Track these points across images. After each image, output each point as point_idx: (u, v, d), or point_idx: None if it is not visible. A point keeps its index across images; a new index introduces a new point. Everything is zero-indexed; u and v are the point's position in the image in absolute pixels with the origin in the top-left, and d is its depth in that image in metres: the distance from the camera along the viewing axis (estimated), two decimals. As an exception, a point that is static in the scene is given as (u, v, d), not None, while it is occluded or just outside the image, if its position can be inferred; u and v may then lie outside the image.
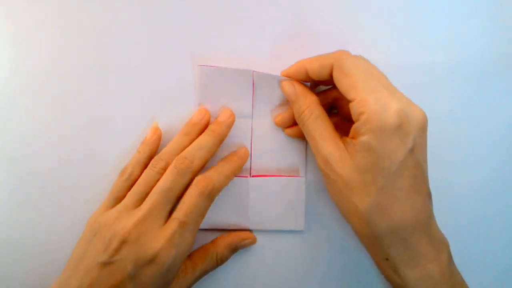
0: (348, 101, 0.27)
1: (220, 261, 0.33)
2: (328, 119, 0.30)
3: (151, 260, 0.27)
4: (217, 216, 0.33)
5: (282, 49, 0.34)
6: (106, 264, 0.27)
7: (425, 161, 0.27)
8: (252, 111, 0.33)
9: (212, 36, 0.34)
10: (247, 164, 0.34)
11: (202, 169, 0.31)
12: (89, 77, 0.33)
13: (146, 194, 0.29)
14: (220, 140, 0.32)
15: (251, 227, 0.34)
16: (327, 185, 0.29)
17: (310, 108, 0.29)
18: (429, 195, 0.27)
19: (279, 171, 0.34)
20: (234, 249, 0.33)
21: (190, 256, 0.32)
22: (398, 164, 0.25)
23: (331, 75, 0.28)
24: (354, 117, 0.27)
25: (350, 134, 0.27)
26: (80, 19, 0.33)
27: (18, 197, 0.33)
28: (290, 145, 0.34)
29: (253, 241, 0.34)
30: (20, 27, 0.33)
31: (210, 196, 0.29)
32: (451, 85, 0.35)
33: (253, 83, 0.32)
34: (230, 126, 0.32)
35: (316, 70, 0.29)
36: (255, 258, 0.35)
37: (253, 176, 0.33)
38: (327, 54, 0.29)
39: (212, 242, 0.33)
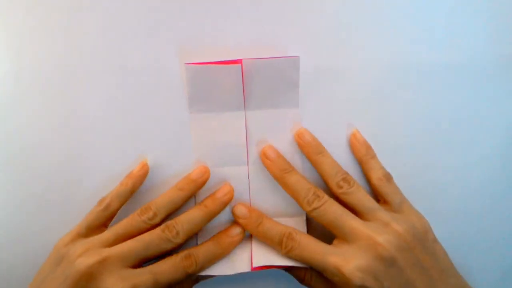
0: None
1: None
2: None
3: None
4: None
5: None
6: None
7: (422, 272, 0.28)
8: (245, 103, 0.33)
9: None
10: (244, 155, 0.34)
11: (186, 240, 0.31)
12: (90, 78, 0.33)
13: (123, 237, 0.30)
14: (211, 217, 0.32)
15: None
16: None
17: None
18: None
19: None
20: None
21: None
22: None
23: None
24: None
25: None
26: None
27: (18, 197, 0.33)
28: (284, 132, 0.34)
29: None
30: (20, 27, 0.33)
31: (189, 275, 0.30)
32: (451, 85, 0.35)
33: (242, 74, 0.32)
34: (225, 203, 0.32)
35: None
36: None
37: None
38: (297, 198, 0.31)
39: None
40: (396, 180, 0.33)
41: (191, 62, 0.32)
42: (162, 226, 0.30)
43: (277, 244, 0.31)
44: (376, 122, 0.34)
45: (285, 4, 0.34)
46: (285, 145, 0.34)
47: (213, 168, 0.33)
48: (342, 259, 0.27)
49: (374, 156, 0.33)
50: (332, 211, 0.29)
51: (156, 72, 0.33)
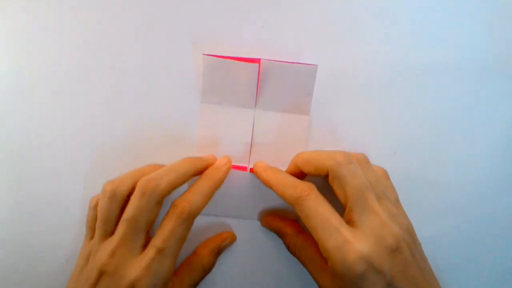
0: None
1: (208, 269, 0.32)
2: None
3: None
4: (217, 207, 0.34)
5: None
6: None
7: (414, 271, 0.26)
8: (256, 102, 0.33)
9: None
10: (247, 153, 0.34)
11: (170, 194, 0.29)
12: (90, 76, 0.33)
13: (114, 222, 0.29)
14: (195, 171, 0.30)
15: (251, 216, 0.34)
16: None
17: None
18: None
19: (278, 162, 0.34)
20: (218, 253, 0.33)
21: (175, 272, 0.31)
22: None
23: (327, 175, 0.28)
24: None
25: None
26: (79, 15, 0.33)
27: (18, 197, 0.33)
28: (290, 137, 0.34)
29: (234, 238, 0.34)
30: (20, 27, 0.33)
31: (188, 219, 0.28)
32: (451, 85, 0.35)
33: (258, 73, 0.32)
34: (209, 162, 0.31)
35: (312, 172, 0.29)
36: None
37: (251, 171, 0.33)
38: (324, 158, 0.28)
39: (194, 253, 0.33)
40: (396, 179, 0.33)
41: (209, 54, 0.32)
42: (138, 183, 0.28)
43: (291, 186, 0.28)
44: (376, 122, 0.35)
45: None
46: (289, 150, 0.34)
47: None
48: (349, 240, 0.25)
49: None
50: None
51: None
